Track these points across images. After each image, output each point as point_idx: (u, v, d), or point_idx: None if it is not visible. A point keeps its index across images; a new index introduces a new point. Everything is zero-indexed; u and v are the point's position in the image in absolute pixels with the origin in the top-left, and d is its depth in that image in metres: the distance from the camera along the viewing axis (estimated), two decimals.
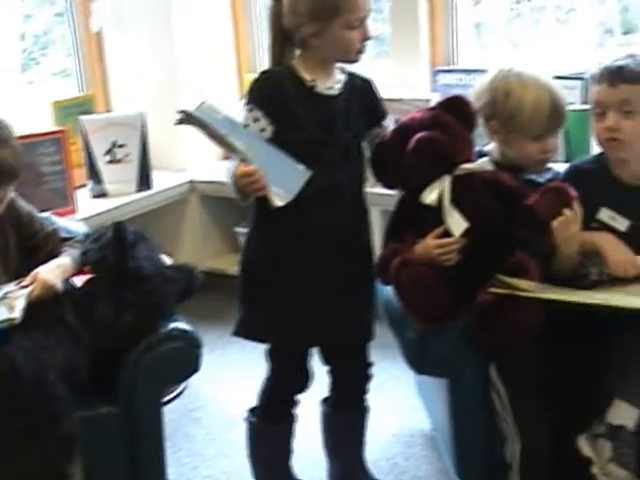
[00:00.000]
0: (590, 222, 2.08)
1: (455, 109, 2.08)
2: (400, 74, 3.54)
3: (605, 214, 2.10)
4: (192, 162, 3.64)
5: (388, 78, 3.57)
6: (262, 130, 2.03)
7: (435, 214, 2.04)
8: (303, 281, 2.09)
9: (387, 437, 2.63)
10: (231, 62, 3.87)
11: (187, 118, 1.99)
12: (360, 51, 2.06)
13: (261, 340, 2.18)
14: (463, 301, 2.00)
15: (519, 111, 2.10)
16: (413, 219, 2.09)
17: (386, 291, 2.19)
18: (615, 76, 2.04)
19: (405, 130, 2.09)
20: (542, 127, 2.11)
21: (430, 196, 2.03)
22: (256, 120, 2.03)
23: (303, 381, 2.22)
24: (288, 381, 2.22)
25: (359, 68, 2.16)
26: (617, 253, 2.04)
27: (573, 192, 2.00)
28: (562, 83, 2.46)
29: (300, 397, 2.24)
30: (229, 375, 2.96)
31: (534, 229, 2.02)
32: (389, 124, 2.20)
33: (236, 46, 3.89)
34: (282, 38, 2.08)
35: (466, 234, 2.01)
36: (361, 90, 2.13)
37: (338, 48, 2.03)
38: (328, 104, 2.07)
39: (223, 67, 3.81)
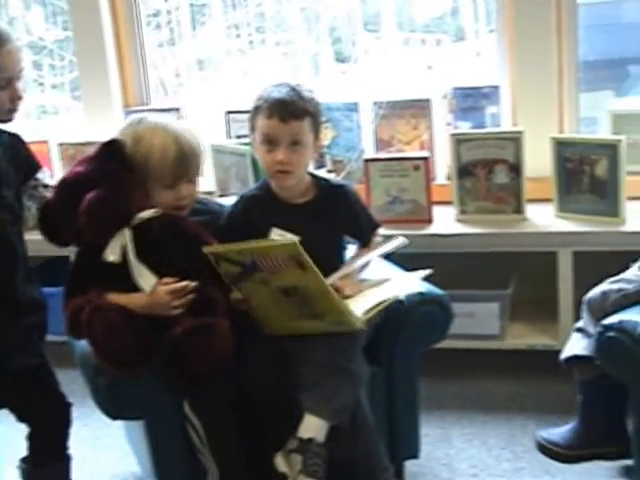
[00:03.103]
0: None
1: (116, 154, 2.05)
2: (92, 117, 3.53)
3: (275, 233, 2.19)
4: None
5: (80, 122, 3.56)
6: None
7: (120, 268, 2.02)
8: None
9: None
10: None
11: None
12: (12, 110, 2.05)
13: None
14: (153, 345, 2.00)
15: (147, 160, 2.05)
16: (94, 273, 2.05)
17: (79, 343, 2.18)
18: (285, 113, 2.11)
19: (72, 186, 2.04)
20: (171, 175, 2.07)
21: (113, 254, 2.00)
22: None
23: None
24: None
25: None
26: None
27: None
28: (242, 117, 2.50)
29: None
30: None
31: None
32: (45, 175, 2.19)
33: None
34: None
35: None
36: (10, 146, 2.11)
37: None
38: None
39: None
